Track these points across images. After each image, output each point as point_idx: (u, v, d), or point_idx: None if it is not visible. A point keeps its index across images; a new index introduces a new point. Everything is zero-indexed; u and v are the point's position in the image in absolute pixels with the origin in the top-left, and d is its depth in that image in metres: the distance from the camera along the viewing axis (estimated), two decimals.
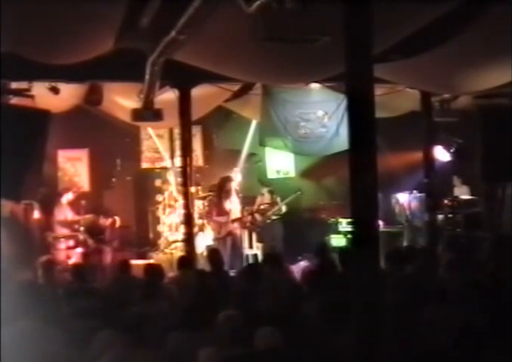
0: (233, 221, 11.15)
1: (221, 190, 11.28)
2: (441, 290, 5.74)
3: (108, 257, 10.69)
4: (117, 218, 11.19)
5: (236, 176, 11.86)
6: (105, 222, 10.95)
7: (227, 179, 11.41)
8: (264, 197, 12.01)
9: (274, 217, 11.91)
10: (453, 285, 5.95)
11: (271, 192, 11.96)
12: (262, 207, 11.84)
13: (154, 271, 7.26)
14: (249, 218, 11.65)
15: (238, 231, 11.17)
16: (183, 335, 4.95)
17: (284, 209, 11.97)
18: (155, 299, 6.19)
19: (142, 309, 5.36)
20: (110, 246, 10.86)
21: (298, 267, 9.70)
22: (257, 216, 11.78)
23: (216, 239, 11.17)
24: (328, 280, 6.60)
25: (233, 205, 11.27)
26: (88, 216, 10.89)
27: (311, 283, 6.60)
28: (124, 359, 4.55)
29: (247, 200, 11.92)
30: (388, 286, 5.67)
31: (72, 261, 9.99)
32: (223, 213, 11.13)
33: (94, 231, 10.70)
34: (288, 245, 11.89)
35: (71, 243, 10.65)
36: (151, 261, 10.62)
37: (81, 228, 10.69)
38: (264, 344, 4.45)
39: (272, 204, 11.85)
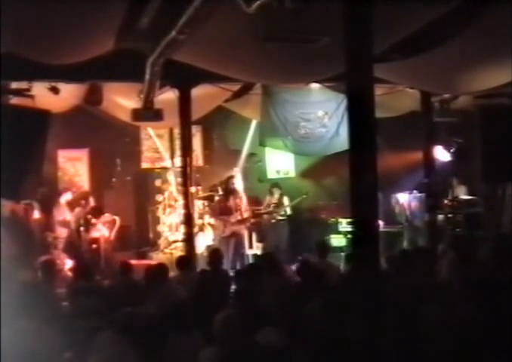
0: (240, 221, 11.06)
1: (227, 189, 11.22)
2: (441, 290, 5.74)
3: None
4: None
5: (239, 177, 11.83)
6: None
7: (233, 178, 11.35)
8: (273, 198, 12.00)
9: (279, 217, 11.92)
10: (453, 285, 5.94)
11: (281, 194, 11.95)
12: (270, 207, 11.89)
13: (157, 271, 7.23)
14: (257, 217, 11.67)
15: (242, 231, 11.11)
16: (182, 334, 4.95)
17: (289, 211, 11.98)
18: (154, 299, 6.18)
19: (141, 309, 5.37)
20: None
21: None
22: (265, 216, 11.89)
23: (220, 238, 11.09)
24: (327, 280, 6.59)
25: (240, 204, 11.20)
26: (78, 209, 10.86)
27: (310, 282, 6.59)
28: (124, 359, 4.55)
29: (250, 200, 11.89)
30: (388, 286, 5.67)
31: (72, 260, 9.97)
32: (229, 212, 11.09)
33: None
34: (288, 245, 11.90)
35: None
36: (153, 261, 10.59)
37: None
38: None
39: (279, 204, 11.87)
